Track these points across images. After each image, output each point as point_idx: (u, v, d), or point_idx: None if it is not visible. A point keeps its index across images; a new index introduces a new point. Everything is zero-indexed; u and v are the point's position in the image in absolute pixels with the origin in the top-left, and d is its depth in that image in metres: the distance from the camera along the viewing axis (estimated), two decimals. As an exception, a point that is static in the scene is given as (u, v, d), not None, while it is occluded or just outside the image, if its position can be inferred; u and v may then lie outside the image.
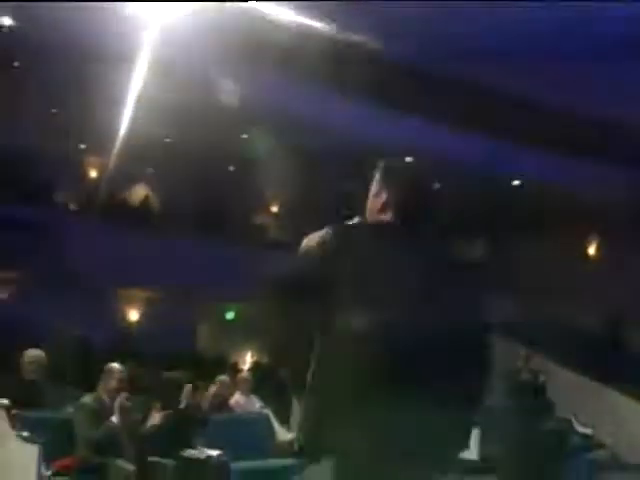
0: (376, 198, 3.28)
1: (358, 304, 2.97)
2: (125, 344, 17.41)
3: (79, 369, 12.30)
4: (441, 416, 2.92)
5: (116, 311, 20.28)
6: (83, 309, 17.20)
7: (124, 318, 20.52)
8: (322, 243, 3.07)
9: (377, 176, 3.32)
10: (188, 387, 8.31)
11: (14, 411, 6.93)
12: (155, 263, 18.53)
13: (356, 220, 3.29)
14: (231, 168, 22.07)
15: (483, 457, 12.62)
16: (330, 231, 3.10)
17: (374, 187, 3.31)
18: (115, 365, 7.47)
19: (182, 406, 8.13)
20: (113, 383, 7.31)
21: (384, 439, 2.86)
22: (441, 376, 2.93)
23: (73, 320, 16.50)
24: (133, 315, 20.65)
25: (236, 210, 22.03)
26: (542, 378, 13.57)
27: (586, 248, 21.96)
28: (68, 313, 16.81)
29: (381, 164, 3.35)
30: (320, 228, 3.16)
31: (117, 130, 17.98)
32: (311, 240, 3.14)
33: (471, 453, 12.67)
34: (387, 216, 3.23)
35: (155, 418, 7.62)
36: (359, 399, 2.87)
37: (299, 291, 3.07)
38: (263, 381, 14.99)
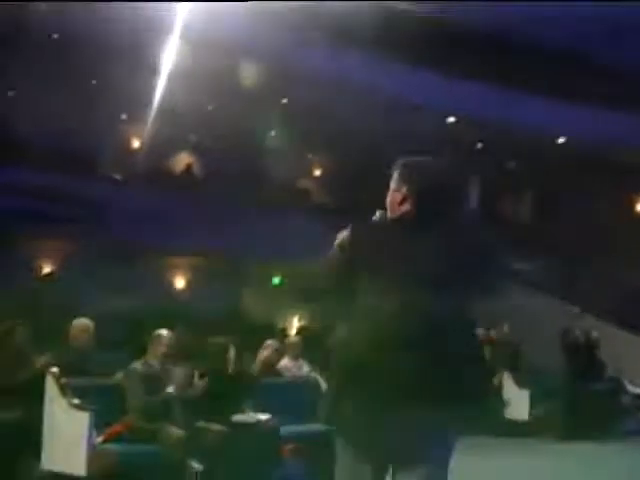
0: (395, 192, 3.64)
1: (373, 292, 3.43)
2: (172, 311, 17.51)
3: (127, 336, 12.37)
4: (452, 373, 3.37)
5: (163, 278, 20.39)
6: (130, 277, 17.33)
7: (171, 285, 20.64)
8: (343, 242, 3.59)
9: (395, 173, 3.68)
10: (235, 352, 8.30)
11: (64, 379, 6.97)
12: (200, 230, 18.57)
13: (378, 214, 3.70)
14: (273, 133, 21.98)
15: (533, 417, 12.55)
16: (350, 231, 3.59)
17: (393, 183, 3.67)
18: (163, 331, 7.48)
19: (230, 371, 8.13)
20: (161, 349, 7.31)
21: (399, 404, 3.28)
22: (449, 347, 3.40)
23: (121, 288, 16.62)
24: (180, 282, 20.75)
25: (279, 175, 21.97)
26: (594, 337, 13.40)
27: (635, 204, 21.62)
28: (116, 281, 16.94)
29: (399, 162, 3.70)
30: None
31: (158, 99, 18.00)
32: (338, 238, 3.63)
33: (521, 413, 12.60)
34: (406, 208, 3.59)
35: (202, 384, 7.62)
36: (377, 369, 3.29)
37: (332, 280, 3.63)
38: (311, 345, 15.02)
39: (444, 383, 3.37)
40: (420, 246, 3.52)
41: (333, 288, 3.64)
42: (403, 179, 3.65)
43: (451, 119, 20.46)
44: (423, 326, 3.36)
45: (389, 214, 3.67)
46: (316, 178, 25.08)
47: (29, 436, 7.00)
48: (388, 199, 3.69)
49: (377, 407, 3.29)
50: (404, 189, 3.62)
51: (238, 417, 7.58)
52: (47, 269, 19.12)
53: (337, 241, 3.65)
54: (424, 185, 3.62)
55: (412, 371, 3.29)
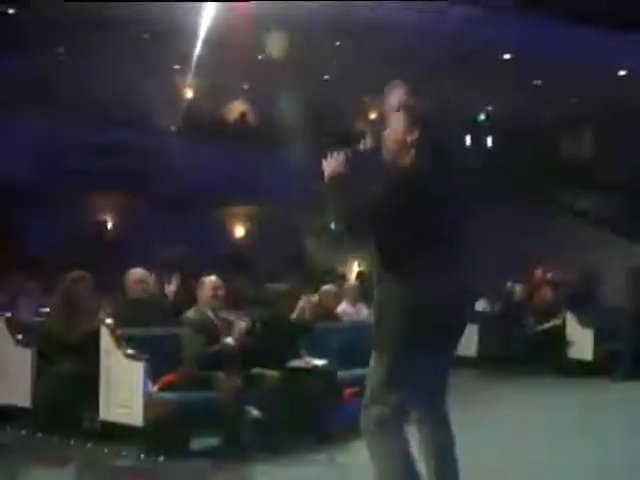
0: (404, 134, 3.77)
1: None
2: (233, 259, 17.56)
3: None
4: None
5: (223, 228, 20.44)
6: (190, 227, 17.39)
7: (231, 234, 20.69)
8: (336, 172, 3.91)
9: (406, 110, 3.80)
10: (294, 298, 8.25)
11: (119, 330, 6.97)
12: (258, 178, 18.53)
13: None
14: (326, 77, 21.68)
15: (596, 357, 12.35)
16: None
17: (401, 120, 3.79)
18: (208, 278, 7.41)
19: (287, 318, 8.08)
20: (208, 294, 7.25)
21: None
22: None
23: (180, 239, 16.68)
24: (239, 231, 20.79)
25: (333, 119, 21.76)
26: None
27: None
28: (175, 232, 17.01)
29: (411, 102, 3.87)
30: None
31: (209, 49, 17.87)
32: (330, 167, 3.92)
33: (585, 353, 12.40)
34: (411, 155, 3.77)
35: (258, 330, 7.57)
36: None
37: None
38: (370, 290, 14.92)
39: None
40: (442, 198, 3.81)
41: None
42: (416, 123, 3.77)
43: (506, 56, 19.97)
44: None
45: (388, 153, 3.85)
46: (373, 121, 24.77)
47: (87, 387, 7.04)
48: (390, 135, 3.83)
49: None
50: (415, 134, 3.77)
51: (295, 363, 7.53)
52: (108, 223, 19.30)
53: (329, 171, 3.86)
54: (438, 138, 3.82)
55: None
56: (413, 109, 3.83)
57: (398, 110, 3.86)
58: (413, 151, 3.78)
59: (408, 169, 3.80)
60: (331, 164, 3.90)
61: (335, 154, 3.89)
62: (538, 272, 14.85)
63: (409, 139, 3.78)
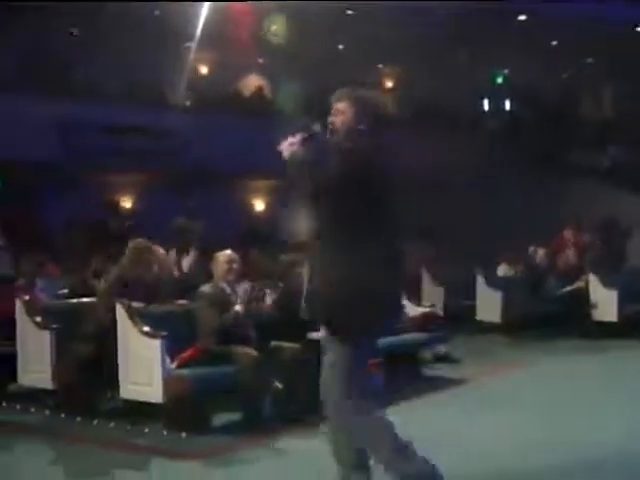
0: (353, 124, 4.36)
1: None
2: (251, 233, 17.50)
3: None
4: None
5: (242, 202, 20.38)
6: (210, 203, 17.32)
7: (250, 208, 20.63)
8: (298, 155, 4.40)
9: (349, 103, 4.38)
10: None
11: (134, 306, 6.95)
12: (275, 152, 18.38)
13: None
14: (340, 47, 21.52)
15: (623, 319, 12.22)
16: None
17: (348, 112, 4.38)
18: (222, 252, 7.36)
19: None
20: (223, 267, 7.21)
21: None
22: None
23: (199, 214, 16.62)
24: (259, 205, 20.73)
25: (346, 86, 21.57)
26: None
27: None
28: (195, 208, 16.94)
29: (353, 95, 4.41)
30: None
31: (222, 24, 17.75)
32: (288, 149, 4.44)
33: (610, 314, 12.28)
34: (363, 140, 4.31)
35: (275, 302, 7.53)
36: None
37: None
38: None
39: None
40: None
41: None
42: (362, 112, 4.37)
43: (522, 17, 19.73)
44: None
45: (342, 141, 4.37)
46: (389, 90, 24.61)
47: (107, 366, 7.04)
48: (341, 126, 4.40)
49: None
50: (363, 122, 4.37)
51: (314, 335, 7.47)
52: (128, 202, 19.29)
53: (290, 152, 4.39)
54: (380, 121, 4.40)
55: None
56: (358, 100, 4.41)
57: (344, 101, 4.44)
58: (357, 136, 4.36)
59: (352, 151, 4.34)
60: (287, 146, 4.41)
61: (291, 137, 4.43)
62: (564, 235, 14.70)
63: (352, 126, 4.38)
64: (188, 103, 20.46)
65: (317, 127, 4.42)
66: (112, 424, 6.84)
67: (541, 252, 13.71)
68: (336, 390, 4.36)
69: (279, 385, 6.97)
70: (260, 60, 21.98)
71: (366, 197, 4.26)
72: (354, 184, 4.22)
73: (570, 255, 13.63)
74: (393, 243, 4.41)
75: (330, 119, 4.42)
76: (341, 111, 4.40)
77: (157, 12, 18.45)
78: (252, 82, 22.54)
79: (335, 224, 4.30)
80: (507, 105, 25.63)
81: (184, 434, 6.44)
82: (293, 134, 4.42)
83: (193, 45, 19.56)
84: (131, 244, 7.68)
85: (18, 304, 7.90)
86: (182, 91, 20.31)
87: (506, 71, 24.67)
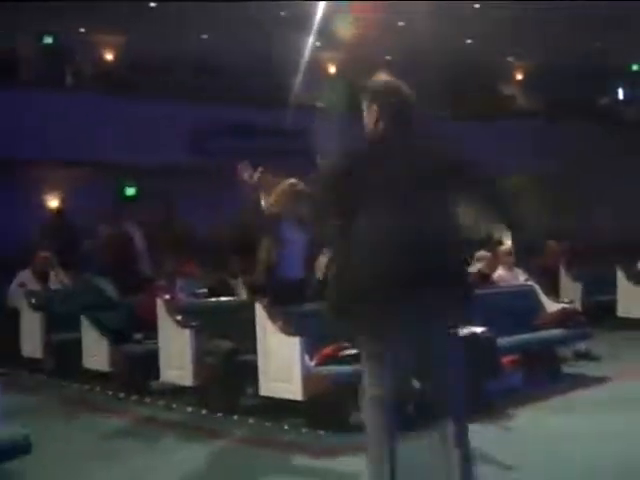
0: (370, 114, 4.24)
1: (362, 209, 4.05)
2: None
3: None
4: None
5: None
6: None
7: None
8: (331, 166, 4.39)
9: (366, 97, 4.26)
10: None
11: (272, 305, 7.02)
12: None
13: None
14: (468, 41, 21.23)
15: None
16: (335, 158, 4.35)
17: (366, 106, 4.26)
18: None
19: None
20: None
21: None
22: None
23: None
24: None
25: (478, 81, 21.36)
26: None
27: None
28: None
29: (368, 87, 4.28)
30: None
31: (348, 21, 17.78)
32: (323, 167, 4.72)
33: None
34: (381, 126, 4.20)
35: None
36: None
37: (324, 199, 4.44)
38: (526, 254, 14.54)
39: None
40: (401, 160, 4.10)
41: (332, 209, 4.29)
42: (374, 101, 4.22)
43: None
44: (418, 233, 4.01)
45: (368, 132, 4.26)
46: (519, 82, 24.22)
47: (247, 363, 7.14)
48: (365, 120, 4.28)
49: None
50: (375, 110, 4.22)
51: (456, 331, 7.37)
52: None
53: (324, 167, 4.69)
54: (391, 104, 4.19)
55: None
56: (371, 94, 4.27)
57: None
58: (378, 126, 4.24)
59: (373, 140, 4.29)
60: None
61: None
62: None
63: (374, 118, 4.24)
64: (319, 103, 20.59)
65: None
66: (251, 421, 6.95)
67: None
68: None
69: (418, 384, 6.90)
70: (388, 57, 21.93)
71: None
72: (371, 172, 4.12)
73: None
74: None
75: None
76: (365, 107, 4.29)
77: (283, 13, 18.61)
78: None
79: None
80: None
81: (322, 432, 6.47)
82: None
83: (322, 44, 19.64)
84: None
85: (159, 303, 8.13)
86: (311, 90, 20.41)
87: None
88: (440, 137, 4.30)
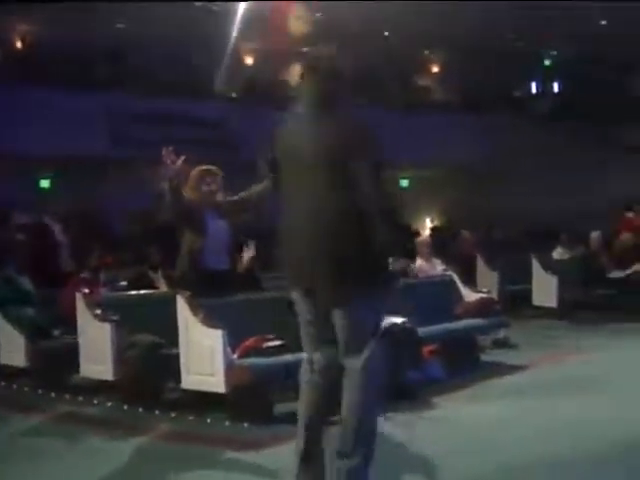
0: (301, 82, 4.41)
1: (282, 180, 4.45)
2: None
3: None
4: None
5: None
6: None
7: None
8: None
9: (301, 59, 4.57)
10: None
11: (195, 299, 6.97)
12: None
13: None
14: (386, 33, 21.33)
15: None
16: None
17: (300, 70, 4.45)
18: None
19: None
20: None
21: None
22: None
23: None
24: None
25: (396, 74, 21.49)
26: None
27: None
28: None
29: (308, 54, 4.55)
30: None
31: (265, 15, 17.70)
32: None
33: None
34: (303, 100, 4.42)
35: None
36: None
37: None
38: (444, 245, 14.75)
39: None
40: (309, 137, 4.30)
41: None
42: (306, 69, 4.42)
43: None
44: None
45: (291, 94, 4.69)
46: (434, 74, 24.43)
47: (168, 357, 7.09)
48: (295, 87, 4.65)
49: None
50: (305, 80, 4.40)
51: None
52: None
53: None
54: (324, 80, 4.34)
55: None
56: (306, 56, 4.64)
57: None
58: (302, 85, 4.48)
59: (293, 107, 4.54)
60: None
61: None
62: (626, 217, 14.49)
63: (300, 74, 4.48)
64: (234, 94, 20.49)
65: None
66: (174, 415, 6.90)
67: (596, 235, 13.51)
68: None
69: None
70: (305, 48, 21.92)
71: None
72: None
73: (627, 238, 13.41)
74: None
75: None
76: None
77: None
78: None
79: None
80: (555, 87, 25.41)
81: (246, 424, 6.45)
82: None
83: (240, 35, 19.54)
84: None
85: (78, 297, 7.99)
86: (229, 81, 20.30)
87: (554, 53, 24.30)
88: (358, 119, 4.35)
